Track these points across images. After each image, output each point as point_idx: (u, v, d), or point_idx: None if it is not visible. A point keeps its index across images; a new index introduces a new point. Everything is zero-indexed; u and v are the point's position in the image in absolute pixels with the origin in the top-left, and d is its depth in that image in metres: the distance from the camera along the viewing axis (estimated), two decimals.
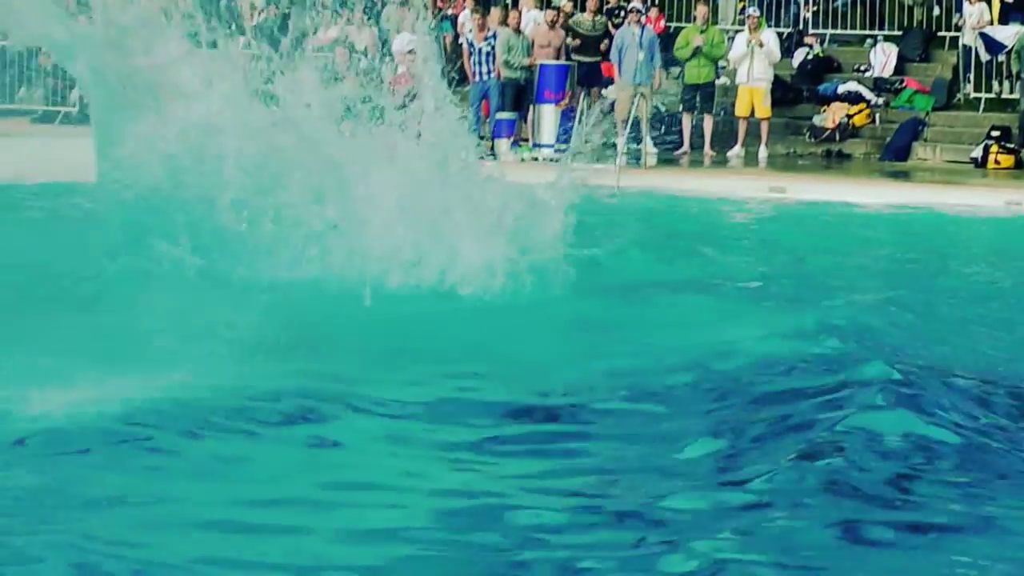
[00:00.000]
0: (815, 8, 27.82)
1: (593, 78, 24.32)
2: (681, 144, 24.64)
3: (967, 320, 11.50)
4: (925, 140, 24.88)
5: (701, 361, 9.21)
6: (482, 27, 24.08)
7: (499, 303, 10.36)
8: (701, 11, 24.90)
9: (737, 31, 25.64)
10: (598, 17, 25.17)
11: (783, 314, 11.41)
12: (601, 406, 7.98)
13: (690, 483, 6.50)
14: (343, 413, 7.43)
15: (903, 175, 22.90)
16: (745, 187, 21.25)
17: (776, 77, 24.88)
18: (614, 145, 23.28)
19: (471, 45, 24.10)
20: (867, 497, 6.08)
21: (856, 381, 8.11)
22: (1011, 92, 25.43)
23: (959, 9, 26.51)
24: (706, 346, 9.66)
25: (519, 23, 24.13)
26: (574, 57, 24.21)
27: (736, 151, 24.27)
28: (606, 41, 24.81)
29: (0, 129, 24.28)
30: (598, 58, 24.58)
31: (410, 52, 22.73)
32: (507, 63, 23.38)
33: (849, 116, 25.17)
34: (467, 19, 25.51)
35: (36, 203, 16.02)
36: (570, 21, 24.49)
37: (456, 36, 25.86)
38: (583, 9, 26.04)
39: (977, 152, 23.81)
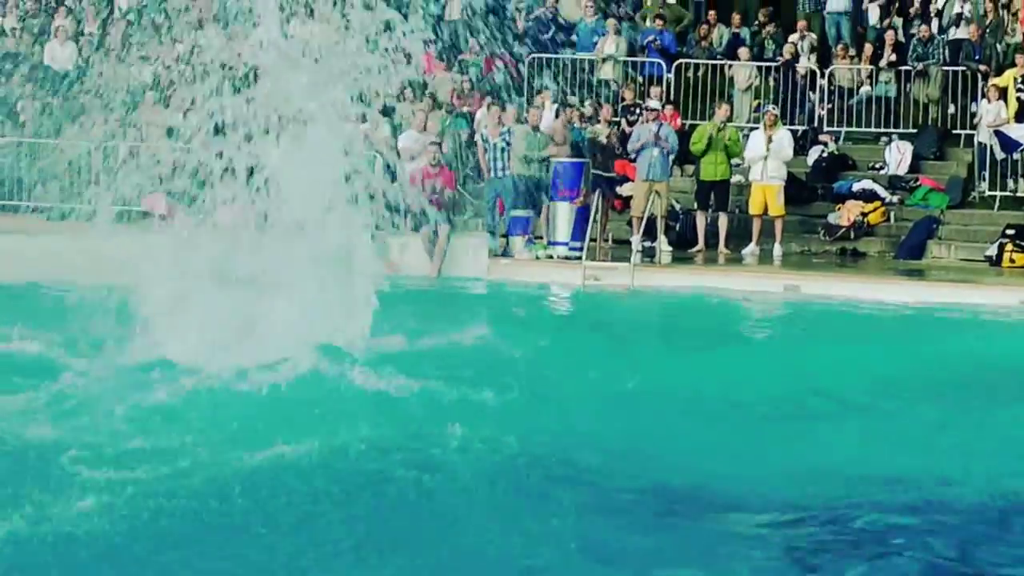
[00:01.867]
0: (830, 106, 27.87)
1: (608, 191, 24.24)
2: (695, 242, 24.63)
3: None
4: (940, 238, 24.84)
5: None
6: (497, 123, 24.15)
7: None
8: (723, 110, 24.94)
9: (752, 128, 25.69)
10: (613, 129, 25.22)
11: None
12: None
13: None
14: None
15: (918, 273, 22.84)
16: (759, 285, 21.22)
17: (791, 175, 24.88)
18: (628, 243, 23.32)
19: (486, 141, 24.13)
20: None
21: None
22: None
23: (975, 100, 26.60)
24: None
25: (539, 121, 24.19)
26: (592, 171, 23.99)
27: (751, 249, 24.24)
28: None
29: (16, 226, 24.38)
30: (614, 174, 24.61)
31: (432, 143, 22.86)
32: (523, 159, 23.40)
33: (864, 214, 25.16)
34: (484, 117, 25.61)
35: None
36: (585, 133, 24.53)
37: (472, 133, 25.99)
38: (600, 105, 26.17)
39: (992, 250, 23.76)
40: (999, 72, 26.65)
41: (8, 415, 10.25)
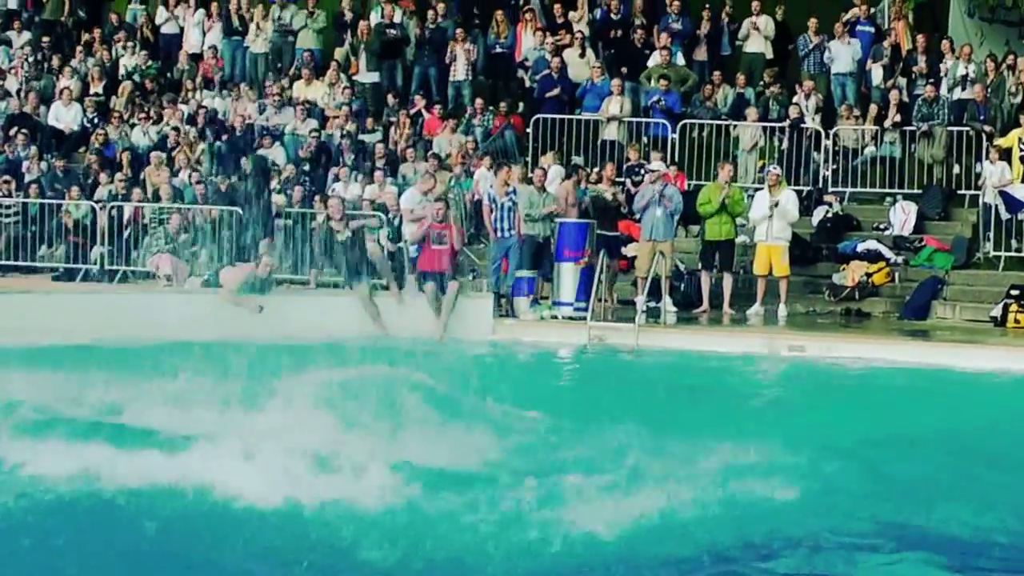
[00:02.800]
0: (834, 166, 27.87)
1: (613, 251, 24.29)
2: (700, 302, 24.60)
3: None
4: (944, 299, 24.78)
5: None
6: (504, 182, 24.16)
7: None
8: (726, 170, 24.90)
9: (756, 189, 25.70)
10: (617, 189, 25.27)
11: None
12: None
13: None
14: None
15: (922, 334, 22.78)
16: (764, 346, 21.18)
17: (795, 235, 24.87)
18: (633, 303, 23.30)
19: (492, 201, 24.13)
20: None
21: None
22: None
23: (980, 160, 26.59)
24: None
25: (544, 182, 24.19)
26: (597, 232, 23.97)
27: (755, 310, 24.20)
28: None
29: (22, 286, 24.44)
30: (618, 234, 24.66)
31: (438, 200, 22.93)
32: (528, 218, 23.40)
33: (868, 274, 25.14)
34: (483, 176, 25.68)
35: None
36: (589, 193, 24.58)
37: (474, 194, 26.09)
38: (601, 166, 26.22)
39: (996, 311, 23.71)
40: (1003, 132, 26.66)
41: None
